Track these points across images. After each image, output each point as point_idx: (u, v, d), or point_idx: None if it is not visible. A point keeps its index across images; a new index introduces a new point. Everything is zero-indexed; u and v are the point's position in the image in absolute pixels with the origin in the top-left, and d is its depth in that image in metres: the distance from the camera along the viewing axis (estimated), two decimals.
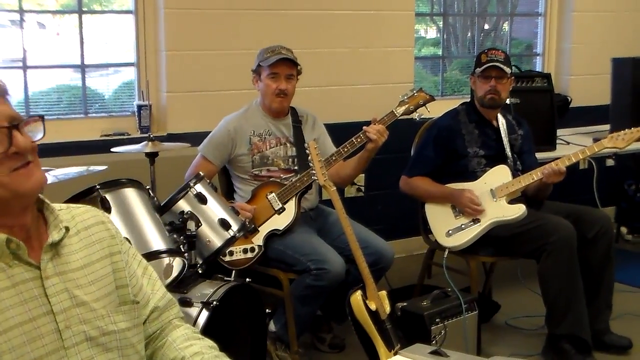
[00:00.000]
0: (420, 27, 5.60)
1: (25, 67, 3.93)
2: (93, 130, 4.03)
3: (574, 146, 4.38)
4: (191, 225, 2.89)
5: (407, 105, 3.44)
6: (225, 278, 2.98)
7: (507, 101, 3.80)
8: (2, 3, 3.95)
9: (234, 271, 3.20)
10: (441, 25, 5.59)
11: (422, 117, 3.55)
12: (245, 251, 3.24)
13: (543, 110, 4.49)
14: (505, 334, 3.75)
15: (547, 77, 4.63)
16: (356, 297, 2.91)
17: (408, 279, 4.07)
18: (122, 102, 4.26)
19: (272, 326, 3.35)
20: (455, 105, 3.82)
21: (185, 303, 2.64)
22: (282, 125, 3.52)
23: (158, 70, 4.12)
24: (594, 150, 3.47)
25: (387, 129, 3.34)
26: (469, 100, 3.85)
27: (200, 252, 2.96)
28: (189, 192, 2.98)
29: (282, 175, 3.46)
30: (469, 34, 5.82)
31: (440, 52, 5.55)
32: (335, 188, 3.05)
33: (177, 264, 2.83)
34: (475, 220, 3.49)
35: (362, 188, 4.71)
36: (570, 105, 5.36)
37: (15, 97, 3.98)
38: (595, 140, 3.80)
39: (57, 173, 2.94)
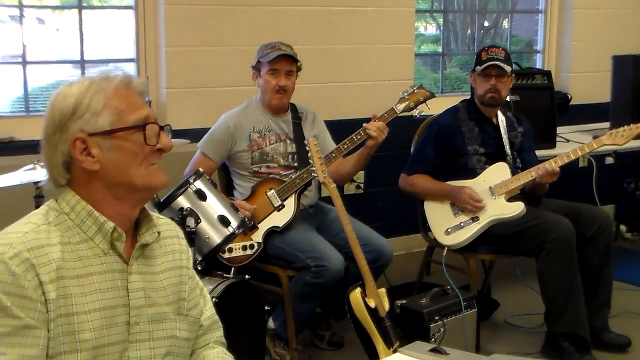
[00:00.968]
0: (420, 24, 5.59)
1: (24, 63, 3.92)
2: None
3: (573, 144, 4.37)
4: (190, 221, 2.88)
5: (407, 102, 3.43)
6: (225, 275, 2.98)
7: (507, 98, 3.79)
8: None
9: (233, 268, 3.20)
10: (441, 22, 5.59)
11: (422, 114, 3.54)
12: (244, 248, 3.23)
13: (543, 107, 4.48)
14: (504, 331, 3.75)
15: (547, 74, 4.62)
16: (355, 295, 2.91)
17: (407, 277, 4.06)
18: None
19: (271, 323, 3.34)
20: (455, 103, 3.81)
21: None
22: (281, 122, 3.52)
23: (158, 66, 4.11)
24: (593, 147, 3.47)
25: (387, 125, 3.34)
26: (468, 97, 3.84)
27: (200, 248, 2.96)
28: (189, 189, 2.98)
29: (281, 172, 3.46)
30: (468, 31, 5.82)
31: (439, 49, 5.54)
32: (335, 185, 3.04)
33: None
34: (474, 218, 3.48)
35: (362, 185, 4.70)
36: (571, 103, 5.36)
37: (15, 92, 3.98)
38: (595, 137, 3.79)
39: None
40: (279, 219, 3.33)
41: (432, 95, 3.50)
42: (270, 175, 3.44)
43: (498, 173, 3.53)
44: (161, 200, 2.96)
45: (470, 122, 3.65)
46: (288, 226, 3.32)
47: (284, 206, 3.33)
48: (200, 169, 3.10)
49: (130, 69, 4.17)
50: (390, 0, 4.70)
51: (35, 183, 2.92)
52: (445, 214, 3.55)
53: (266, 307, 2.98)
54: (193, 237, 2.89)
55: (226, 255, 3.19)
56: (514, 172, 3.55)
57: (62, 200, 1.54)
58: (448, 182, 3.57)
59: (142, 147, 1.52)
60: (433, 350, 1.74)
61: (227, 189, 3.55)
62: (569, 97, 5.36)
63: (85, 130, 1.50)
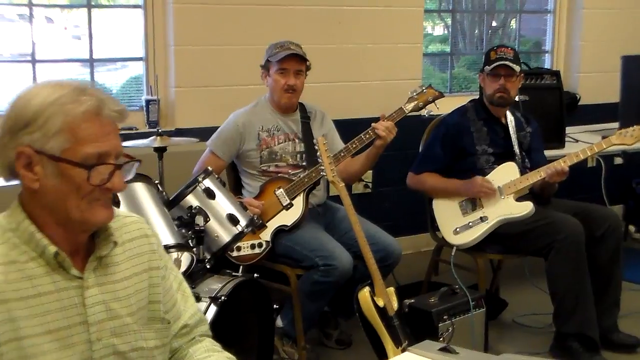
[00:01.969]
0: (427, 23, 5.58)
1: (34, 61, 3.93)
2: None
3: (582, 144, 4.36)
4: (199, 220, 2.90)
5: (416, 102, 3.43)
6: (233, 273, 2.99)
7: (516, 98, 3.79)
8: None
9: (241, 266, 3.20)
10: (449, 22, 5.58)
11: (430, 113, 3.54)
12: (253, 247, 3.24)
13: (552, 107, 4.47)
14: (513, 331, 3.74)
15: (556, 74, 4.61)
16: (364, 294, 2.90)
17: (415, 276, 4.06)
18: (130, 97, 4.26)
19: (279, 322, 3.34)
20: (462, 103, 3.81)
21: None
22: (290, 121, 3.52)
23: (167, 65, 4.11)
24: (602, 147, 3.47)
25: (395, 125, 3.34)
26: (477, 97, 3.84)
27: (209, 247, 2.97)
28: (198, 187, 2.98)
29: (290, 171, 3.46)
30: (476, 31, 5.81)
31: (447, 49, 5.53)
32: (343, 184, 3.04)
33: (185, 258, 2.84)
34: (483, 218, 3.48)
35: (370, 184, 4.70)
36: (579, 103, 5.35)
37: None
38: (604, 137, 3.78)
39: None
40: (288, 217, 3.33)
41: (441, 95, 3.49)
42: (279, 174, 3.44)
43: (507, 173, 3.52)
44: (170, 199, 2.97)
45: (478, 121, 3.65)
46: (296, 225, 3.32)
47: (292, 205, 3.34)
48: (209, 168, 3.11)
49: (139, 68, 4.19)
50: None
51: None
52: (453, 214, 3.55)
53: (275, 306, 2.98)
54: (202, 236, 2.90)
55: (234, 253, 3.19)
56: (522, 172, 3.54)
57: (10, 216, 1.46)
58: None
59: (86, 184, 1.42)
60: (442, 349, 1.74)
61: (235, 188, 3.55)
62: (578, 97, 5.35)
63: (32, 147, 1.40)
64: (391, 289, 3.01)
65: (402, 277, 3.88)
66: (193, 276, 2.83)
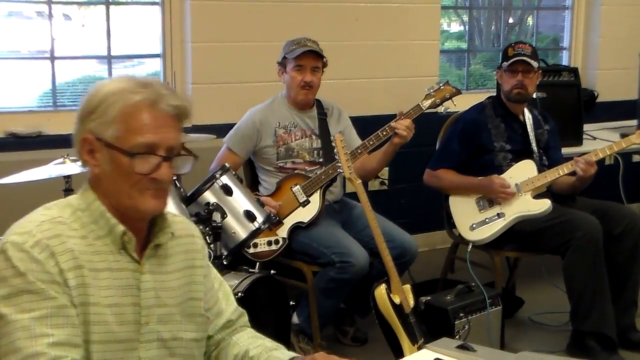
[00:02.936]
0: (444, 20, 5.56)
1: (52, 58, 3.96)
2: None
3: (600, 141, 4.34)
4: (217, 216, 2.91)
5: (433, 99, 3.42)
6: (250, 270, 3.00)
7: (534, 95, 3.77)
8: None
9: (258, 263, 3.21)
10: (465, 19, 5.56)
11: (447, 110, 3.54)
12: (269, 243, 3.24)
13: (570, 104, 4.45)
14: (529, 329, 3.73)
15: (574, 71, 4.59)
16: (380, 291, 2.90)
17: (431, 273, 4.05)
18: None
19: (295, 318, 3.35)
20: (479, 100, 3.79)
21: None
22: (307, 118, 3.52)
23: (184, 61, 4.12)
24: (622, 146, 3.45)
25: (412, 122, 3.33)
26: (493, 94, 3.82)
27: (226, 243, 2.98)
28: (215, 184, 3.00)
29: (307, 168, 3.46)
30: (493, 28, 5.78)
31: (463, 46, 5.51)
32: (360, 181, 3.04)
33: None
34: (500, 215, 3.47)
35: (386, 181, 4.69)
36: (597, 100, 5.31)
37: (42, 88, 4.02)
38: (623, 135, 3.76)
39: None
40: (304, 214, 3.33)
41: (458, 92, 3.49)
42: (296, 171, 3.45)
43: (524, 170, 3.51)
44: (188, 195, 2.98)
45: (496, 118, 3.63)
46: (313, 222, 3.32)
47: (309, 202, 3.34)
48: (226, 164, 3.12)
49: (155, 64, 4.20)
50: None
51: (65, 177, 2.95)
52: (470, 210, 3.54)
53: (291, 303, 2.99)
54: (219, 232, 2.91)
55: (251, 250, 3.19)
56: (540, 169, 3.53)
57: (81, 197, 1.55)
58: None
59: (132, 172, 1.49)
60: (460, 346, 1.74)
61: (252, 185, 3.56)
62: (596, 94, 5.32)
63: (94, 134, 1.50)
64: (407, 286, 3.01)
65: (418, 274, 3.87)
66: None
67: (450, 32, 5.89)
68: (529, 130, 3.63)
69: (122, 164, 1.49)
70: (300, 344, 3.36)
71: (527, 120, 3.64)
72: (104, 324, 1.47)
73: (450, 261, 3.91)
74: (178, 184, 2.95)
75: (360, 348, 3.52)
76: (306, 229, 3.32)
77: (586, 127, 4.57)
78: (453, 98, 3.47)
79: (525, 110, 3.67)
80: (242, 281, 2.79)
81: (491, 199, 3.49)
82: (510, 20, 5.82)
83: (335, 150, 3.07)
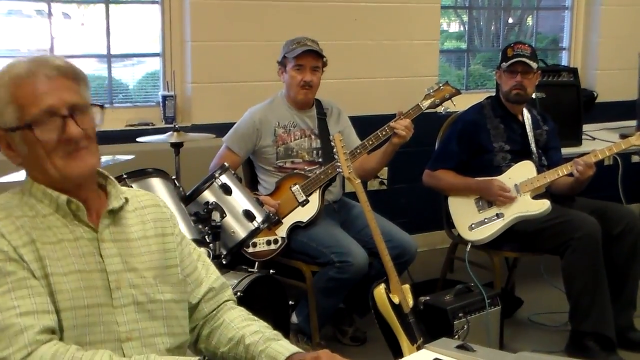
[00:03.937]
0: (443, 20, 5.56)
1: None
2: (118, 120, 4.04)
3: (599, 142, 4.34)
4: (216, 215, 2.91)
5: (432, 99, 3.43)
6: (249, 269, 3.00)
7: (533, 95, 3.77)
8: None
9: (257, 262, 3.21)
10: (465, 19, 5.56)
11: (447, 110, 3.54)
12: (268, 243, 3.24)
13: (569, 105, 4.45)
14: (528, 330, 3.73)
15: (573, 71, 4.59)
16: (379, 290, 2.90)
17: (430, 273, 4.05)
18: (147, 93, 4.28)
19: (294, 318, 3.35)
20: (478, 100, 3.79)
21: None
22: (306, 117, 3.52)
23: (183, 60, 4.12)
24: (621, 147, 3.44)
25: (412, 122, 3.33)
26: (493, 94, 3.82)
27: (225, 242, 2.98)
28: (214, 183, 3.00)
29: (306, 167, 3.46)
30: (492, 28, 5.78)
31: (463, 46, 5.51)
32: (359, 181, 3.04)
33: None
34: (499, 215, 3.47)
35: (385, 181, 4.69)
36: (597, 101, 5.31)
37: None
38: (622, 136, 3.76)
39: None
40: (303, 214, 3.33)
41: (458, 92, 3.49)
42: (295, 171, 3.45)
43: (524, 171, 3.51)
44: (187, 194, 2.98)
45: (495, 119, 3.63)
46: (312, 221, 3.32)
47: (308, 201, 3.34)
48: (225, 164, 3.12)
49: (156, 63, 4.20)
50: None
51: None
52: (469, 210, 3.54)
53: (290, 302, 2.99)
54: (218, 231, 2.91)
55: (250, 249, 3.20)
56: (539, 170, 3.53)
57: (23, 187, 1.57)
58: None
59: (43, 142, 1.49)
60: (460, 347, 1.74)
61: (251, 184, 3.56)
62: (595, 95, 5.32)
63: (1, 128, 1.52)
64: (406, 286, 3.00)
65: (417, 274, 3.87)
66: None
67: (450, 32, 5.89)
68: (528, 130, 3.63)
69: (31, 139, 1.49)
70: (299, 344, 3.35)
71: (526, 121, 3.64)
72: (68, 291, 1.48)
73: (449, 261, 3.92)
74: (177, 183, 2.95)
75: (359, 348, 3.52)
76: (305, 228, 3.32)
77: (585, 127, 4.57)
78: (452, 98, 3.47)
79: (525, 110, 3.67)
80: (241, 280, 2.80)
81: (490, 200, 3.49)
82: (510, 21, 5.82)
83: (334, 150, 3.07)
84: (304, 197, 3.35)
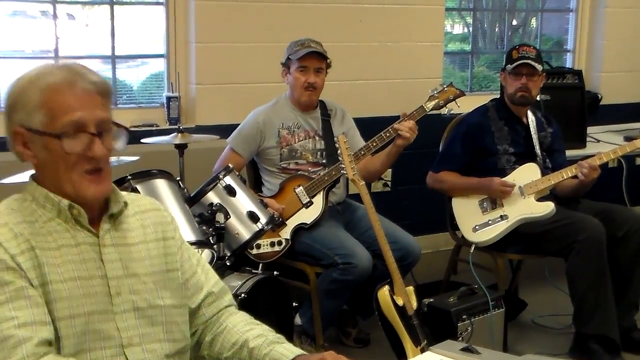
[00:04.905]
0: (447, 22, 5.56)
1: (57, 58, 3.95)
2: (122, 121, 4.01)
3: (604, 144, 4.34)
4: (220, 217, 2.91)
5: (436, 100, 3.42)
6: (253, 271, 3.00)
7: (537, 98, 3.77)
8: None
9: (261, 264, 3.21)
10: (469, 21, 5.56)
11: (451, 112, 3.54)
12: (272, 244, 3.24)
13: (573, 107, 4.46)
14: (532, 332, 3.73)
15: (578, 73, 4.59)
16: (384, 292, 2.90)
17: (434, 275, 4.04)
18: (151, 94, 4.28)
19: (298, 320, 3.35)
20: (482, 102, 3.79)
21: None
22: (310, 119, 3.52)
23: (188, 62, 4.12)
24: (626, 150, 3.45)
25: (416, 123, 3.33)
26: (497, 96, 3.82)
27: (229, 244, 2.98)
28: (218, 184, 3.00)
29: (310, 169, 3.46)
30: (497, 30, 5.78)
31: (466, 48, 5.51)
32: (364, 182, 3.04)
33: (205, 255, 2.85)
34: (503, 217, 3.46)
35: (389, 183, 4.69)
36: (601, 103, 5.31)
37: None
38: (627, 138, 3.76)
39: None
40: (307, 215, 3.33)
41: (462, 94, 3.48)
42: (299, 172, 3.45)
43: (528, 173, 3.51)
44: (191, 196, 2.98)
45: (499, 121, 3.63)
46: (316, 223, 3.33)
47: (312, 203, 3.34)
48: (229, 165, 3.12)
49: (160, 64, 4.20)
50: None
51: None
52: (473, 212, 3.53)
53: (294, 304, 2.99)
54: (222, 233, 2.91)
55: (254, 251, 3.20)
56: (543, 172, 3.52)
57: (25, 191, 1.57)
58: None
59: (66, 154, 1.49)
60: (464, 349, 1.74)
61: (255, 185, 3.56)
62: (600, 97, 5.31)
63: (23, 124, 1.50)
64: (410, 288, 3.00)
65: (421, 276, 3.87)
66: None
67: (454, 34, 5.89)
68: (532, 133, 3.62)
69: (55, 147, 1.49)
70: (303, 345, 3.35)
71: (530, 123, 3.64)
72: (67, 299, 1.47)
73: (453, 263, 3.91)
74: (181, 184, 2.95)
75: (362, 350, 3.52)
76: (309, 230, 3.32)
77: (590, 129, 4.57)
78: (457, 100, 3.46)
79: (529, 112, 3.66)
80: (244, 282, 2.80)
81: (493, 198, 3.48)
82: (514, 23, 5.81)
83: (338, 151, 3.07)
84: (308, 199, 3.34)
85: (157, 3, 4.16)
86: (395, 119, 3.37)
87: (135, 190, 2.68)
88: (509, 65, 3.58)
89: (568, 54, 5.57)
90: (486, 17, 5.72)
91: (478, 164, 3.59)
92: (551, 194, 3.53)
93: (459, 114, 3.74)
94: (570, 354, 3.38)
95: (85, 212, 1.54)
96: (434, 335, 2.93)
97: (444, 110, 3.49)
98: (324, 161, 3.47)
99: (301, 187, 3.36)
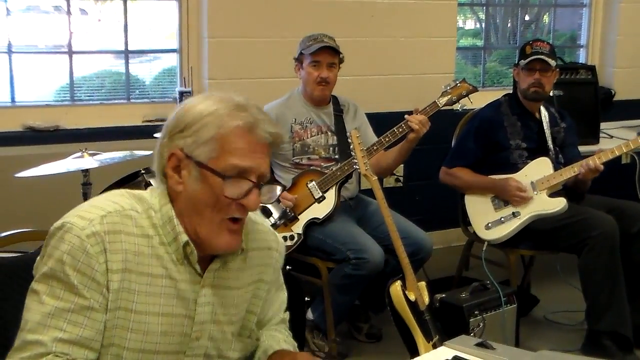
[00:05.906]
0: (460, 17, 5.54)
1: (70, 53, 3.97)
2: (135, 115, 4.06)
3: (617, 140, 4.31)
4: None
5: (449, 96, 3.41)
6: None
7: (551, 93, 3.75)
8: None
9: None
10: (481, 16, 5.54)
11: (464, 107, 3.53)
12: (284, 239, 3.24)
13: (587, 103, 4.43)
14: (544, 328, 3.72)
15: (591, 69, 4.56)
16: (396, 287, 2.90)
17: (446, 271, 4.04)
18: (163, 89, 4.29)
19: (310, 314, 3.36)
20: (495, 97, 3.78)
21: None
22: (323, 114, 3.52)
23: (200, 57, 4.13)
24: (638, 144, 3.42)
25: (428, 119, 3.32)
26: (509, 91, 3.81)
27: None
28: None
29: (322, 164, 3.46)
30: (509, 25, 5.76)
31: (479, 43, 5.49)
32: (376, 178, 3.04)
33: None
34: (515, 213, 3.45)
35: (401, 178, 4.69)
36: (615, 98, 5.28)
37: (60, 81, 4.04)
38: None
39: (102, 157, 2.98)
40: (320, 210, 3.33)
41: (475, 89, 3.47)
42: (311, 167, 3.45)
43: (540, 168, 3.50)
44: None
45: (512, 116, 3.62)
46: (328, 218, 3.32)
47: (324, 198, 3.34)
48: None
49: (173, 59, 4.21)
50: None
51: (83, 171, 2.96)
52: (486, 209, 3.53)
53: (306, 298, 2.99)
54: None
55: None
56: (556, 167, 3.51)
57: (156, 196, 1.51)
58: (490, 177, 3.54)
59: (222, 195, 1.44)
60: (479, 344, 1.73)
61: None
62: (613, 93, 5.28)
63: (184, 151, 1.45)
64: (422, 284, 3.00)
65: (433, 271, 3.86)
66: None
67: (466, 29, 5.87)
68: (545, 128, 3.61)
69: (213, 184, 1.44)
70: (315, 340, 3.36)
71: (543, 118, 3.63)
72: (144, 332, 1.44)
73: (465, 259, 3.91)
74: None
75: (374, 344, 3.52)
76: (321, 225, 3.32)
77: (603, 125, 4.54)
78: (469, 95, 3.45)
79: (542, 108, 3.65)
80: None
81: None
82: (527, 18, 5.79)
83: (351, 146, 3.07)
84: (321, 194, 3.35)
85: None
86: (408, 114, 3.36)
87: (148, 185, 2.69)
88: (522, 61, 3.57)
89: (581, 49, 5.55)
90: (499, 12, 5.70)
91: (490, 159, 3.58)
92: (563, 190, 3.51)
93: (472, 109, 3.73)
94: (583, 351, 3.36)
95: (197, 252, 1.49)
96: (445, 330, 2.93)
97: (457, 106, 3.48)
98: (337, 156, 3.47)
99: (314, 182, 3.37)
